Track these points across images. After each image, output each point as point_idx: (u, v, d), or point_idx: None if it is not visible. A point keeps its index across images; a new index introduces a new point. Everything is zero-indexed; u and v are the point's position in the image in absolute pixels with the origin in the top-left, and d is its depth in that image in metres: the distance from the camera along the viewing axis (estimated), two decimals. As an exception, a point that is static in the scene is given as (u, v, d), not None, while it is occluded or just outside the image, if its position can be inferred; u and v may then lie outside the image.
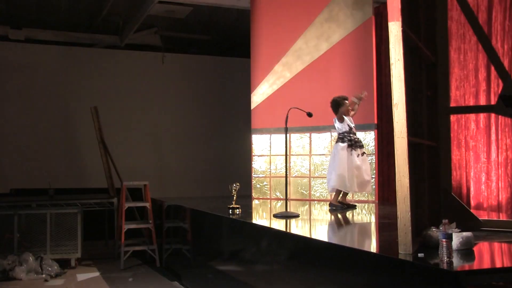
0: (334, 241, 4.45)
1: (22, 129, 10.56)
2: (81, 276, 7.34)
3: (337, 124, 6.53)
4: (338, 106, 6.52)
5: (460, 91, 6.91)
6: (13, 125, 10.51)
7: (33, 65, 10.81)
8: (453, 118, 6.59)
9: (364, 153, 6.53)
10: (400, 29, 3.41)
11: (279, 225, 5.29)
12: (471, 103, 6.76)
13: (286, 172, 6.36)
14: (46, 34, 10.84)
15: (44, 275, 7.16)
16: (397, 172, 3.33)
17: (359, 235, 5.03)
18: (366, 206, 7.21)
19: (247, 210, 6.78)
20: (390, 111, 3.50)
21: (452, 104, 6.33)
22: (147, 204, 8.07)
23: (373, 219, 6.12)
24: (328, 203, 6.91)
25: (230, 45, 12.01)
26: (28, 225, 7.75)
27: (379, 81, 8.11)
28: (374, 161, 7.78)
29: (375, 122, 7.83)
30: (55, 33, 10.88)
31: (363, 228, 5.45)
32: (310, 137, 8.40)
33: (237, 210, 6.09)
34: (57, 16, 10.34)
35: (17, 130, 10.53)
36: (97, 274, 7.48)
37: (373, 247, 4.17)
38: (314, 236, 4.82)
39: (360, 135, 7.80)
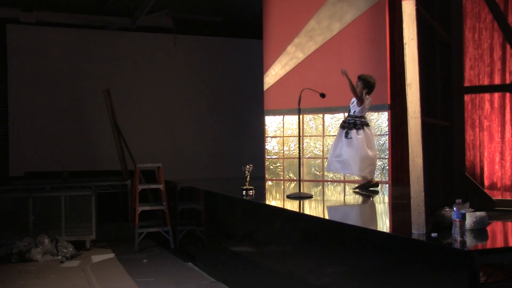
0: (348, 221, 4.45)
1: (36, 112, 10.62)
2: (96, 258, 7.41)
3: (366, 103, 6.44)
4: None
5: (475, 71, 6.83)
6: (26, 109, 10.57)
7: (45, 47, 10.83)
8: (467, 98, 6.52)
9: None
10: (414, 8, 3.37)
11: (292, 206, 5.30)
12: (486, 82, 6.68)
13: (299, 153, 6.35)
14: (57, 16, 10.84)
15: (59, 257, 7.25)
16: (410, 152, 3.32)
17: (372, 216, 5.03)
18: (379, 187, 7.20)
19: (261, 191, 6.79)
20: (404, 92, 3.48)
21: (466, 84, 6.27)
22: (161, 186, 8.11)
23: (386, 199, 6.11)
24: (354, 185, 6.89)
25: (242, 26, 11.94)
26: (43, 208, 7.83)
27: (392, 61, 8.04)
28: (387, 141, 7.75)
29: (389, 102, 7.78)
30: (66, 15, 10.88)
31: (376, 209, 5.45)
32: (323, 118, 8.37)
33: (251, 191, 6.10)
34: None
35: (30, 113, 10.59)
36: (112, 255, 7.56)
37: (386, 227, 4.17)
38: (327, 217, 4.82)
39: (373, 115, 7.79)
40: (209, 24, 11.87)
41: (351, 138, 6.33)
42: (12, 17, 10.50)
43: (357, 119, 6.40)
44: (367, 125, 6.46)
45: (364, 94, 6.44)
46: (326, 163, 8.14)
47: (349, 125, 6.40)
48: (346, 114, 6.71)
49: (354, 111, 6.44)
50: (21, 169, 10.32)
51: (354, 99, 6.46)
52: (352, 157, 6.30)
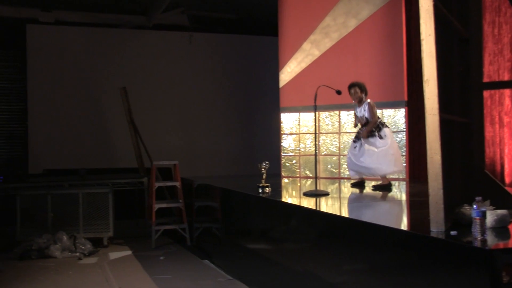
0: (365, 219, 4.42)
1: (53, 110, 10.69)
2: (113, 255, 7.45)
3: (375, 110, 6.44)
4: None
5: (494, 66, 6.74)
6: (44, 107, 10.65)
7: (63, 46, 10.89)
8: (486, 94, 6.45)
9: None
10: (432, 3, 3.33)
11: (308, 203, 5.28)
12: (506, 78, 6.59)
13: (315, 150, 6.32)
14: (75, 15, 10.91)
15: (77, 254, 7.30)
16: (428, 149, 3.28)
17: (390, 213, 4.99)
18: (396, 184, 7.15)
19: (277, 189, 6.78)
20: (421, 88, 3.44)
21: (485, 80, 6.20)
22: (177, 184, 8.12)
23: (404, 197, 6.07)
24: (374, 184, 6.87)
25: (258, 23, 11.92)
26: (61, 205, 7.89)
27: (409, 57, 7.97)
28: (404, 138, 7.69)
29: (405, 99, 7.72)
30: (84, 15, 10.94)
31: (394, 206, 5.41)
32: (339, 115, 8.33)
33: (267, 188, 6.09)
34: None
35: (48, 112, 10.67)
36: (129, 252, 7.59)
37: (404, 225, 4.13)
38: (344, 214, 4.80)
39: (390, 112, 7.73)
40: (225, 21, 11.87)
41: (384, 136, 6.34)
42: (32, 17, 10.59)
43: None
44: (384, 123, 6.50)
45: (365, 98, 6.44)
46: (343, 160, 8.12)
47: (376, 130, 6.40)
48: (358, 127, 6.66)
49: (367, 118, 6.44)
50: (39, 167, 10.41)
51: (364, 107, 6.45)
52: (388, 156, 6.30)
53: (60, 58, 10.83)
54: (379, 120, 6.46)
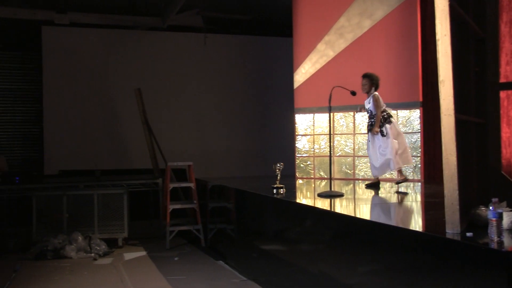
0: (379, 220, 4.40)
1: (69, 112, 10.77)
2: (128, 255, 7.49)
3: (381, 101, 6.46)
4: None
5: (511, 66, 6.66)
6: (59, 108, 10.73)
7: (78, 48, 10.97)
8: (503, 94, 6.36)
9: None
10: (447, 3, 3.31)
11: (323, 204, 5.27)
12: (523, 78, 6.51)
13: (330, 151, 6.31)
14: (89, 17, 10.98)
15: (93, 254, 7.35)
16: (444, 150, 3.26)
17: (405, 214, 4.96)
18: (411, 185, 7.11)
19: (291, 190, 6.77)
20: (436, 89, 3.42)
21: (502, 80, 6.12)
22: (192, 185, 8.14)
23: (419, 198, 6.03)
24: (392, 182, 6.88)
25: (272, 24, 11.92)
26: (76, 206, 7.94)
27: (424, 57, 7.92)
28: (419, 139, 7.65)
29: (420, 100, 7.67)
30: (98, 16, 11.01)
31: (409, 207, 5.38)
32: (354, 116, 8.30)
33: (281, 189, 6.08)
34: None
35: (63, 113, 10.75)
36: (143, 253, 7.62)
37: (419, 226, 4.11)
38: (358, 216, 4.78)
39: (405, 113, 7.69)
40: (239, 22, 11.88)
41: (386, 134, 6.35)
42: (47, 19, 10.68)
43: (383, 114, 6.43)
44: (391, 116, 6.48)
45: (373, 90, 6.45)
46: (357, 161, 8.09)
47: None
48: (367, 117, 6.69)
49: (371, 111, 6.46)
50: (55, 168, 10.50)
51: (369, 100, 6.47)
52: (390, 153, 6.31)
53: (75, 60, 10.91)
54: (385, 113, 6.44)
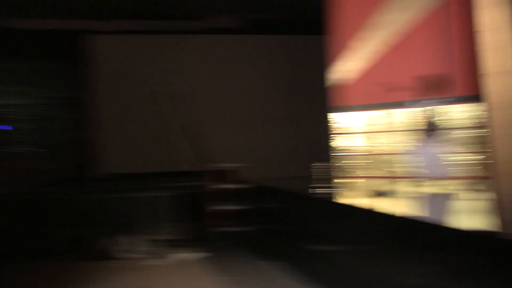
0: (434, 219, 4.39)
1: (118, 117, 10.99)
2: (178, 257, 7.62)
3: None
4: None
5: None
6: (109, 114, 10.96)
7: (120, 55, 11.18)
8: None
9: None
10: None
11: (380, 204, 5.24)
12: None
13: (374, 150, 6.29)
14: (129, 24, 11.17)
15: (141, 256, 7.53)
16: (500, 146, 3.25)
17: (461, 214, 4.91)
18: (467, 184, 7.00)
19: (335, 190, 6.76)
20: (490, 82, 3.39)
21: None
22: (240, 186, 8.19)
23: (473, 197, 5.94)
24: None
25: (308, 23, 11.90)
26: (125, 208, 8.12)
27: (472, 50, 7.69)
28: (472, 135, 7.45)
29: (473, 93, 7.40)
30: (138, 23, 11.19)
31: (464, 207, 5.30)
32: (393, 113, 8.23)
33: (326, 189, 6.10)
34: (138, 6, 10.63)
35: (113, 119, 10.97)
36: (193, 255, 7.72)
37: (477, 226, 4.07)
38: (411, 215, 4.77)
39: (458, 108, 7.49)
40: (276, 22, 11.90)
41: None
42: (90, 29, 10.90)
43: None
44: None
45: None
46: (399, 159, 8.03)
47: None
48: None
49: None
50: (106, 171, 10.74)
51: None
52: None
53: (120, 66, 11.11)
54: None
